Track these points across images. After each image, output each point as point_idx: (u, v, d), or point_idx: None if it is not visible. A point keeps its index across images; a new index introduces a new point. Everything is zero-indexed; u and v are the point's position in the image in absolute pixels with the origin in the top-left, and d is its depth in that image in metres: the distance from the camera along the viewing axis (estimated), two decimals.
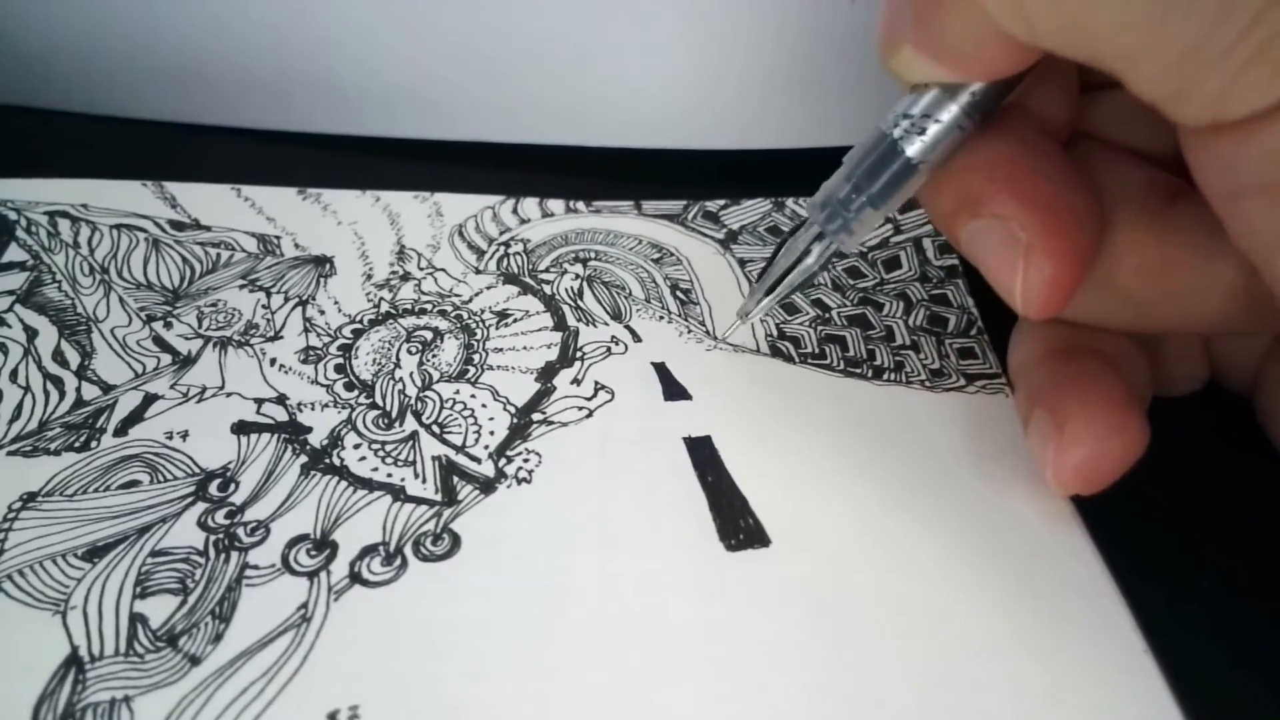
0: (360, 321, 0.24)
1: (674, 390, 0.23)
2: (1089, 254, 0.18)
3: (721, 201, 0.28)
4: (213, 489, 0.20)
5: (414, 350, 0.24)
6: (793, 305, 0.25)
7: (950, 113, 0.18)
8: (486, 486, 0.20)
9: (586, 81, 0.29)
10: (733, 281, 0.26)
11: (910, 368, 0.24)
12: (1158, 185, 0.19)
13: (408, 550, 0.19)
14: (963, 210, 0.18)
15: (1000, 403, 0.23)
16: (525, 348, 0.24)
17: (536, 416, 0.22)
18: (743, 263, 0.27)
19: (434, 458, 0.21)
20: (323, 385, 0.23)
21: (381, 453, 0.21)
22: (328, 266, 0.26)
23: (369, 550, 0.19)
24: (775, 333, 0.25)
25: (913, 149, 0.18)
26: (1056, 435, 0.18)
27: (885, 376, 0.23)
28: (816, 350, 0.24)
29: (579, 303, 0.25)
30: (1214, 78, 0.14)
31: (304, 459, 0.21)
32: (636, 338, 0.24)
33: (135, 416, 0.21)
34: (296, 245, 0.26)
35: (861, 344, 0.24)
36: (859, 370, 0.24)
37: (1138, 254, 0.18)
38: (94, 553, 0.19)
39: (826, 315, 0.25)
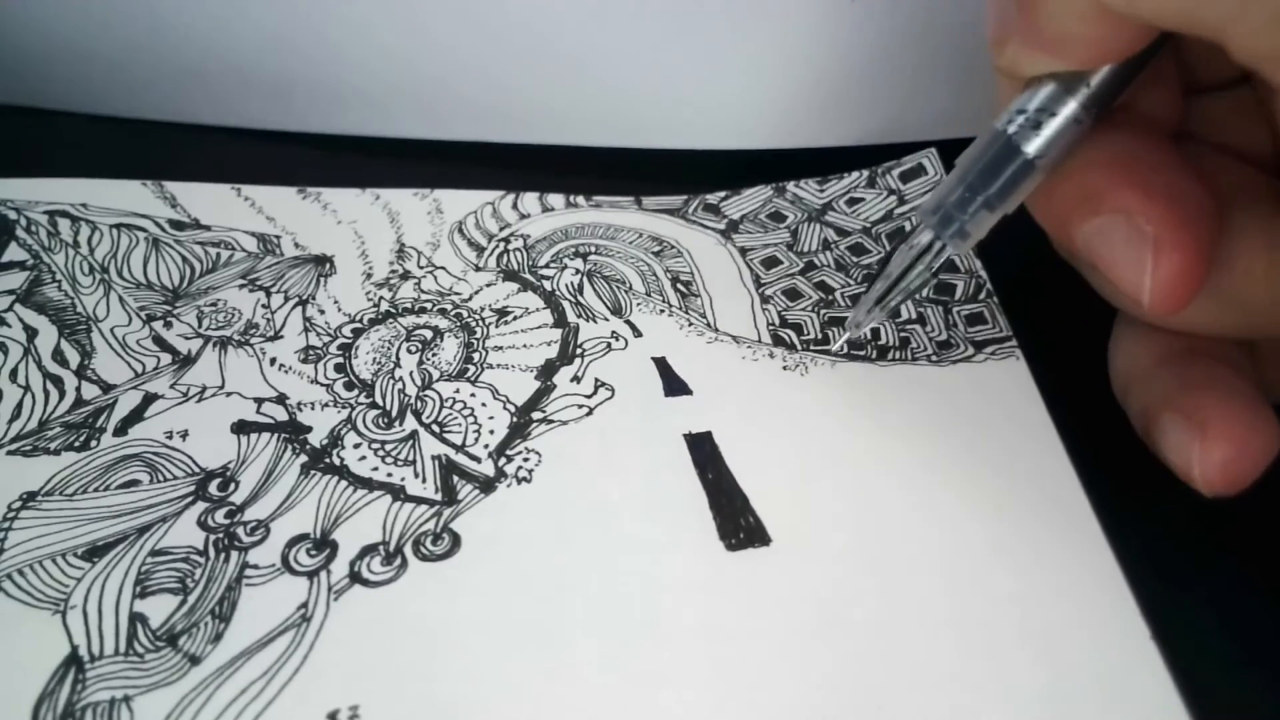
0: (360, 320, 0.24)
1: (674, 385, 0.23)
2: (1214, 248, 0.17)
3: (721, 193, 0.28)
4: (212, 488, 0.20)
5: (414, 349, 0.24)
6: (795, 291, 0.25)
7: (1068, 107, 0.17)
8: (486, 486, 0.20)
9: (586, 82, 0.29)
10: (734, 271, 0.26)
11: (916, 343, 0.23)
12: (1264, 188, 0.18)
13: (408, 550, 0.19)
14: (1081, 207, 0.18)
15: (1010, 367, 0.23)
16: (525, 345, 0.24)
17: (536, 415, 0.22)
18: (744, 251, 0.27)
19: (434, 457, 0.21)
20: (322, 385, 0.23)
21: (381, 452, 0.21)
22: (327, 266, 0.26)
23: (369, 550, 0.19)
24: (777, 321, 0.24)
25: (1031, 145, 0.18)
26: (1200, 436, 0.18)
27: (890, 356, 0.23)
28: (819, 335, 0.24)
29: (579, 298, 0.25)
30: None
31: (304, 458, 0.21)
32: (637, 332, 0.24)
33: (135, 416, 0.21)
34: (296, 244, 0.26)
35: None
36: (863, 353, 0.23)
37: (1247, 258, 0.18)
38: (94, 552, 0.19)
39: (830, 297, 0.25)
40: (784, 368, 0.23)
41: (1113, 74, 0.17)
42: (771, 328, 0.24)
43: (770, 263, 0.26)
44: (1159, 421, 0.19)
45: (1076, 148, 0.18)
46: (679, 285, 0.26)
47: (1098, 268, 0.18)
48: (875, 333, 0.24)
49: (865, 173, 0.28)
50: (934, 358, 0.23)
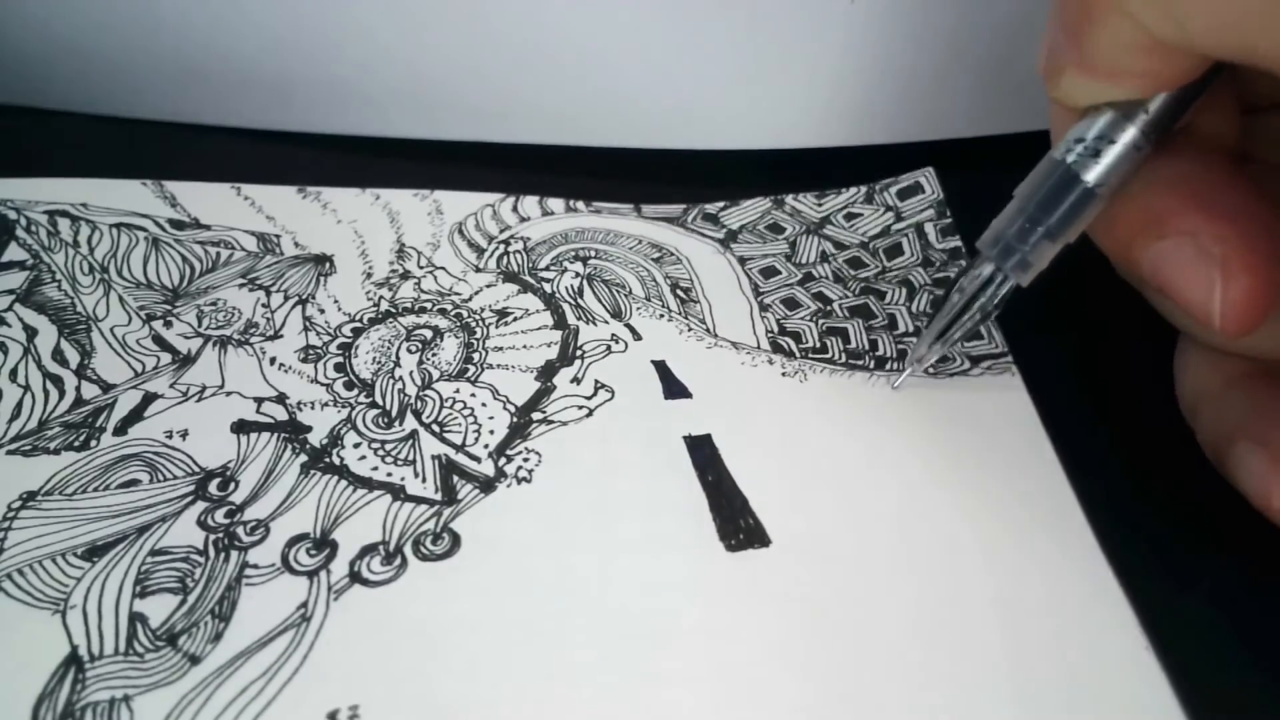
0: (360, 320, 0.24)
1: (674, 388, 0.23)
2: None
3: (720, 204, 0.28)
4: (212, 488, 0.20)
5: (414, 349, 0.24)
6: (793, 300, 0.25)
7: (1127, 134, 0.17)
8: (486, 486, 0.20)
9: (586, 81, 0.29)
10: (733, 280, 0.26)
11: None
12: None
13: (407, 550, 0.19)
14: (1145, 232, 0.18)
15: (1006, 382, 0.23)
16: (525, 346, 0.24)
17: (536, 415, 0.22)
18: (742, 261, 0.27)
19: (434, 457, 0.21)
20: (322, 384, 0.23)
21: (381, 452, 0.21)
22: (327, 265, 0.26)
23: (369, 550, 0.19)
24: (776, 329, 0.24)
25: (1090, 174, 0.18)
26: (1276, 469, 0.18)
27: (888, 367, 0.23)
28: (818, 344, 0.24)
29: (579, 301, 0.25)
30: None
31: (304, 458, 0.21)
32: (637, 336, 0.24)
33: (135, 415, 0.21)
34: (296, 244, 0.26)
35: (864, 335, 0.24)
36: (861, 362, 0.23)
37: None
38: (93, 552, 0.19)
39: (828, 308, 0.25)
40: (783, 374, 0.23)
41: (1172, 99, 0.17)
42: (770, 335, 0.24)
43: (769, 272, 0.26)
44: (1234, 449, 0.19)
45: (1137, 173, 0.18)
46: (678, 291, 0.26)
47: (1165, 291, 0.18)
48: (873, 344, 0.24)
49: (863, 189, 0.28)
50: (931, 370, 0.23)
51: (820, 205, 0.28)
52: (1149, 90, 0.17)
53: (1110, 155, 0.18)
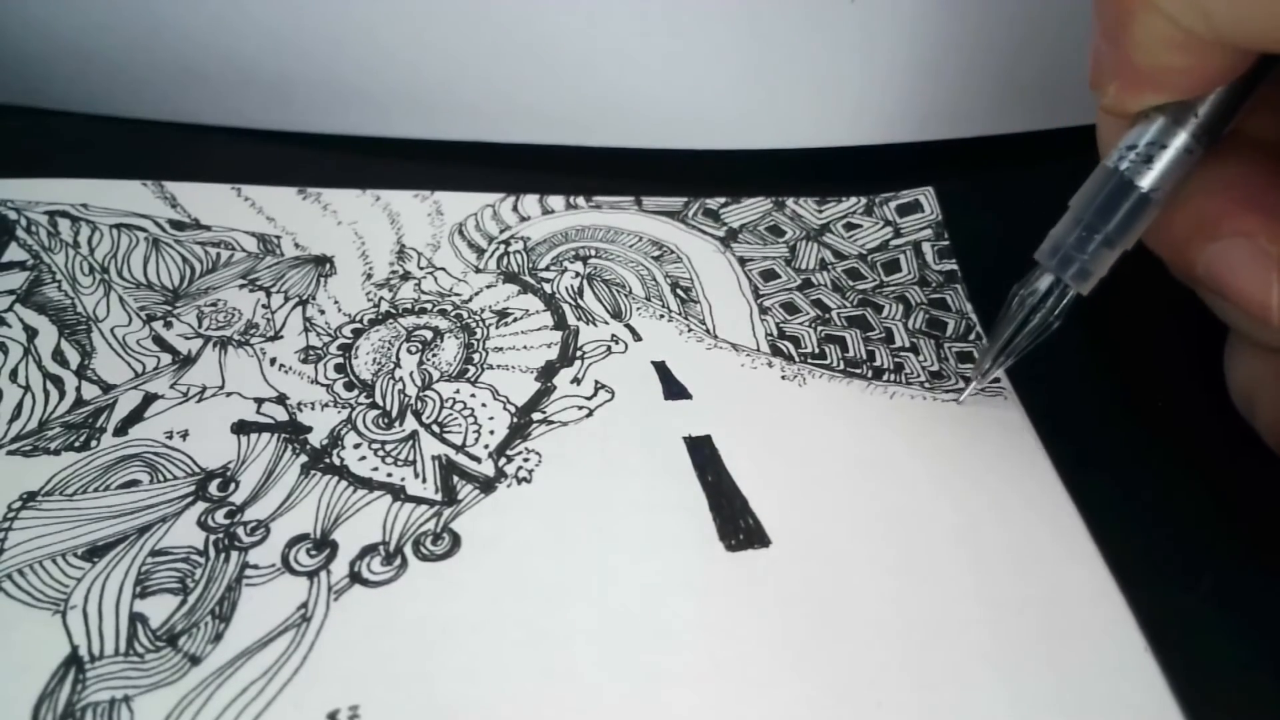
0: (360, 321, 0.24)
1: (674, 389, 0.23)
2: None
3: (721, 199, 0.28)
4: (213, 488, 0.20)
5: (414, 350, 0.24)
6: (793, 305, 0.25)
7: (1178, 139, 0.18)
8: (486, 486, 0.20)
9: (586, 81, 0.29)
10: (733, 280, 0.26)
11: (910, 369, 0.24)
12: None
13: (408, 550, 0.19)
14: (1200, 234, 0.18)
15: (999, 405, 0.23)
16: (525, 347, 0.24)
17: (536, 416, 0.22)
18: (743, 261, 0.27)
19: (434, 457, 0.21)
20: (323, 385, 0.23)
21: (381, 452, 0.21)
22: (328, 266, 0.26)
23: (369, 550, 0.19)
24: (775, 332, 0.24)
25: (1145, 180, 0.18)
26: None
27: (885, 377, 0.23)
28: (816, 350, 0.24)
29: (579, 301, 0.25)
30: None
31: (304, 458, 0.21)
32: (637, 336, 0.24)
33: (135, 416, 0.21)
34: (296, 245, 0.26)
35: (861, 345, 0.24)
36: (859, 370, 0.23)
37: None
38: (94, 552, 0.19)
39: (826, 316, 0.25)
40: (782, 377, 0.23)
41: (1220, 101, 0.17)
42: (770, 338, 0.24)
43: (768, 275, 0.26)
44: None
45: (1189, 177, 0.18)
46: (679, 291, 0.26)
47: (1221, 291, 0.18)
48: (871, 354, 0.24)
49: (863, 200, 0.28)
50: (927, 385, 0.23)
51: (821, 212, 0.28)
52: (1193, 89, 0.17)
53: (1163, 160, 0.18)
